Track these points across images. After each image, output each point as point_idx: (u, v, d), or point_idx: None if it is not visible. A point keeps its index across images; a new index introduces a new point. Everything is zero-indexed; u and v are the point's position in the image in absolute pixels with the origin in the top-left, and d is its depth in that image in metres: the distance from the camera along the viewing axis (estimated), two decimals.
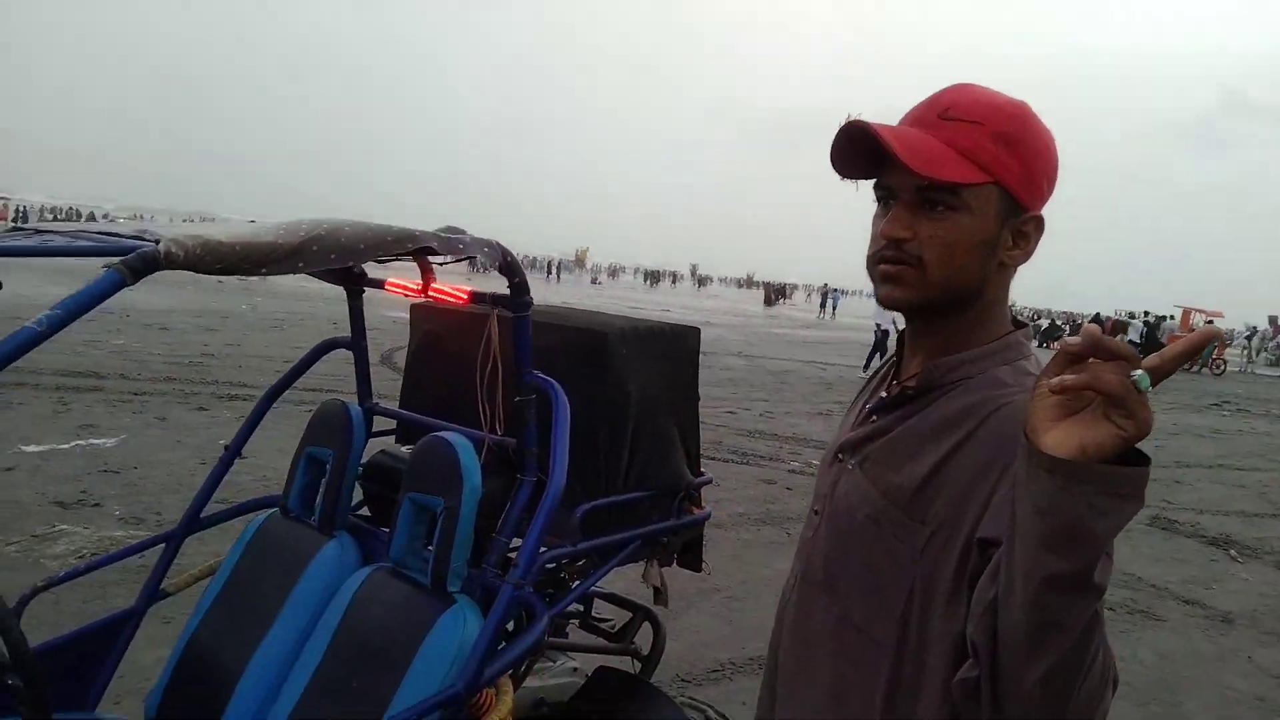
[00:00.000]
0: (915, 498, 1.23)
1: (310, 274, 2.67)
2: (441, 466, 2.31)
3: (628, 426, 2.54)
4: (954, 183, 1.19)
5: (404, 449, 2.84)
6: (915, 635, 1.23)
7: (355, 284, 2.74)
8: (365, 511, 2.93)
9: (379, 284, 2.68)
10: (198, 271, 1.78)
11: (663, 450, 2.65)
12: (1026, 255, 1.27)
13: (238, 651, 2.48)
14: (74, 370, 10.28)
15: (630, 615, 3.02)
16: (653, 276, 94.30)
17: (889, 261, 1.24)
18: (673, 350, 2.72)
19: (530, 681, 2.81)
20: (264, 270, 1.87)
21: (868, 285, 1.33)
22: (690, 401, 2.79)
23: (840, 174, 1.29)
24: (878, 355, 19.17)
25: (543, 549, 2.39)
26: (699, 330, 2.86)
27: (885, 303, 1.28)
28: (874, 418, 1.37)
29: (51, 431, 7.56)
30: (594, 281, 74.54)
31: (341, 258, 1.95)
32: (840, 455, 1.40)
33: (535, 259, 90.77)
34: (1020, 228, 1.25)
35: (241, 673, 2.43)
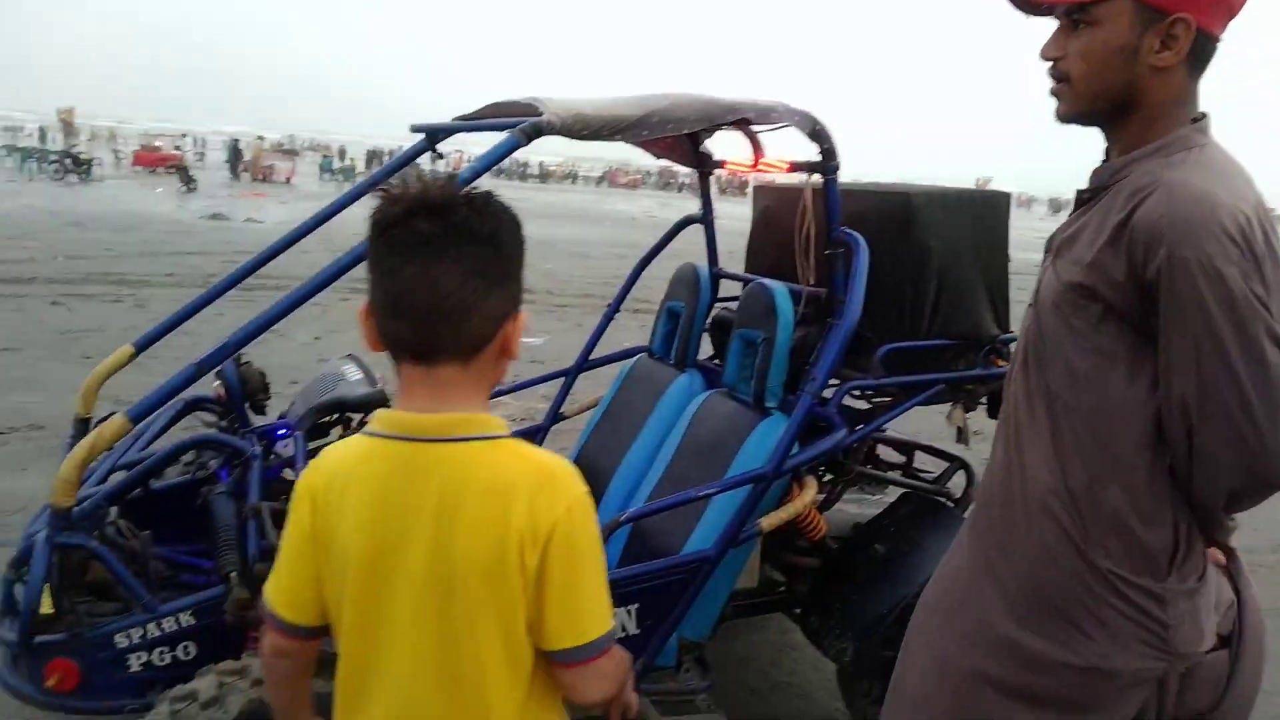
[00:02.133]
0: (1082, 282, 1.45)
1: (668, 159, 3.26)
2: (761, 307, 2.79)
3: (930, 279, 2.82)
4: (1080, 1, 1.40)
5: None
6: (1102, 400, 1.46)
7: (704, 166, 3.27)
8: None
9: (721, 164, 3.19)
10: (570, 137, 2.39)
11: (967, 304, 2.90)
12: (1179, 56, 1.40)
13: (612, 458, 3.16)
14: None
15: (946, 465, 3.31)
16: None
17: (1052, 80, 1.49)
18: (981, 213, 2.94)
19: (850, 509, 3.23)
20: (617, 137, 2.44)
21: None
22: (999, 263, 2.99)
23: (1023, 10, 1.53)
24: None
25: (846, 382, 2.79)
26: (1009, 195, 3.04)
27: (1057, 118, 1.51)
28: (1069, 218, 1.60)
29: None
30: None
31: (676, 127, 2.47)
32: (1046, 253, 1.66)
33: None
34: (1168, 31, 1.38)
35: (614, 473, 3.11)
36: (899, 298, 2.84)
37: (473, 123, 2.63)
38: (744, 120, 2.55)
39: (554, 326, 9.65)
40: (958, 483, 3.25)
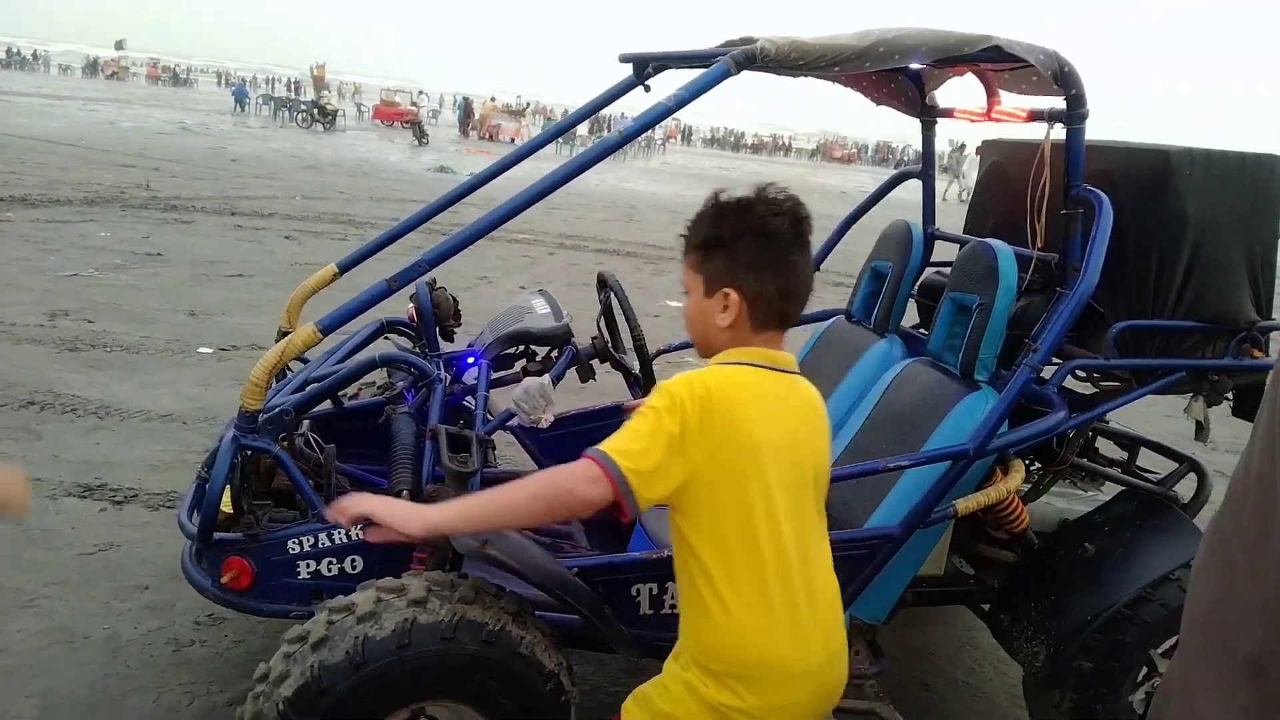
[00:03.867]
0: None
1: (890, 105, 3.01)
2: (980, 267, 2.52)
3: (1182, 251, 2.47)
4: None
5: None
6: None
7: (928, 115, 3.00)
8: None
9: (948, 113, 2.92)
10: (783, 68, 2.21)
11: (1223, 283, 2.51)
12: None
13: None
14: None
15: (1175, 465, 2.93)
16: None
17: None
18: (1250, 180, 2.54)
19: (1058, 503, 2.92)
20: (836, 69, 2.24)
21: None
22: (1268, 238, 2.58)
23: None
24: None
25: (1069, 360, 2.49)
26: None
27: None
28: None
29: None
30: None
31: (903, 59, 2.25)
32: None
33: None
34: None
35: None
36: (1142, 270, 2.51)
37: (681, 53, 2.49)
38: (982, 52, 2.27)
39: None
40: (1188, 487, 2.87)
